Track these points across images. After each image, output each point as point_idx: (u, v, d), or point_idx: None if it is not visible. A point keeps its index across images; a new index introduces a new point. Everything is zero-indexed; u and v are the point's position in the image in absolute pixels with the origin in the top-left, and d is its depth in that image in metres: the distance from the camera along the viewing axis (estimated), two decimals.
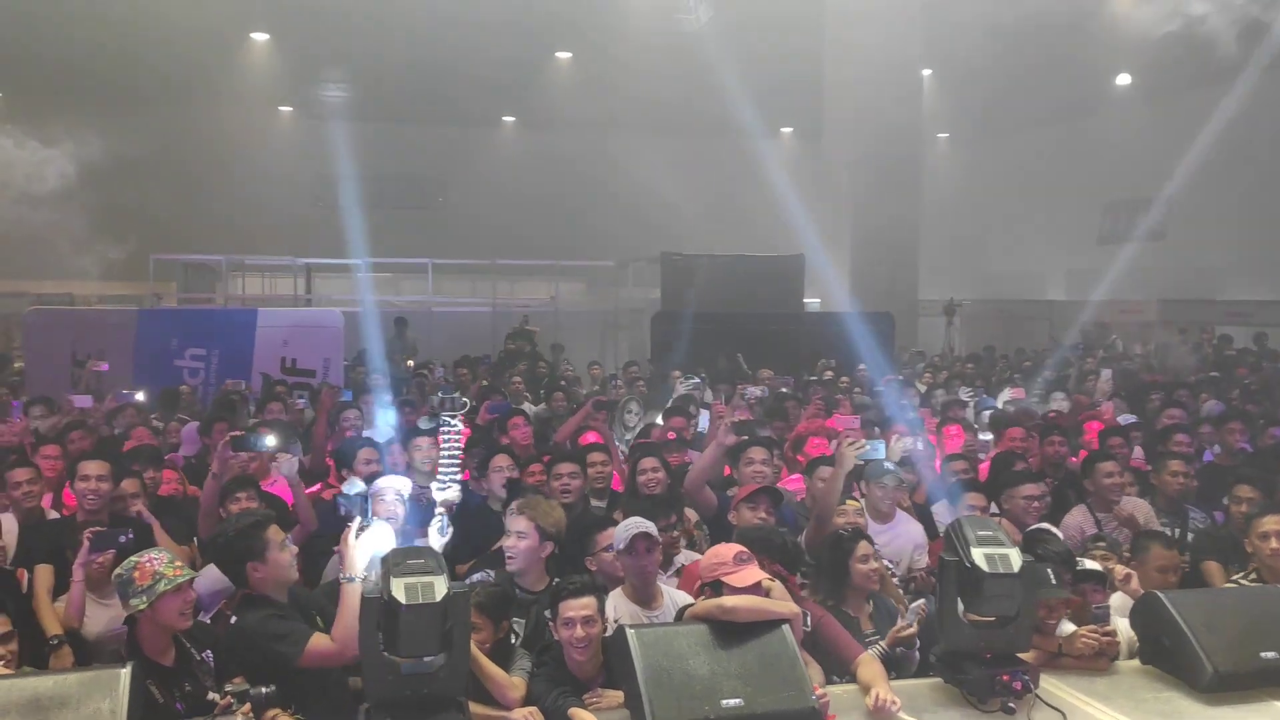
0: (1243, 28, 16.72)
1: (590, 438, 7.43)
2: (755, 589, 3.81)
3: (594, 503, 6.07)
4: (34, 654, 4.27)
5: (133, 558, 3.82)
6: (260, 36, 21.01)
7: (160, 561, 3.77)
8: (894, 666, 4.23)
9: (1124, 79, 22.20)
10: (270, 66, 21.67)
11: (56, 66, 20.03)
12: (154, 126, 22.26)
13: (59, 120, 23.11)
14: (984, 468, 7.14)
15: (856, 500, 5.29)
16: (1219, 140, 20.66)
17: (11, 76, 21.85)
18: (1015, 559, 3.69)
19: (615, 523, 4.74)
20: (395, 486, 5.07)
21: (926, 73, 19.24)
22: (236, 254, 20.53)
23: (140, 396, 9.37)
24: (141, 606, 3.68)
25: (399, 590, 3.25)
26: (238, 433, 6.16)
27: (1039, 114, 24.62)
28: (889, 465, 6.01)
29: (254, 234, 22.35)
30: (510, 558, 4.48)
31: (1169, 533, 5.83)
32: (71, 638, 4.53)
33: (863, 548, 4.49)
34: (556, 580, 4.27)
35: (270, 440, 5.82)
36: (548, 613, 4.09)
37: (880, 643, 4.30)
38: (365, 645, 3.34)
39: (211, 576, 4.52)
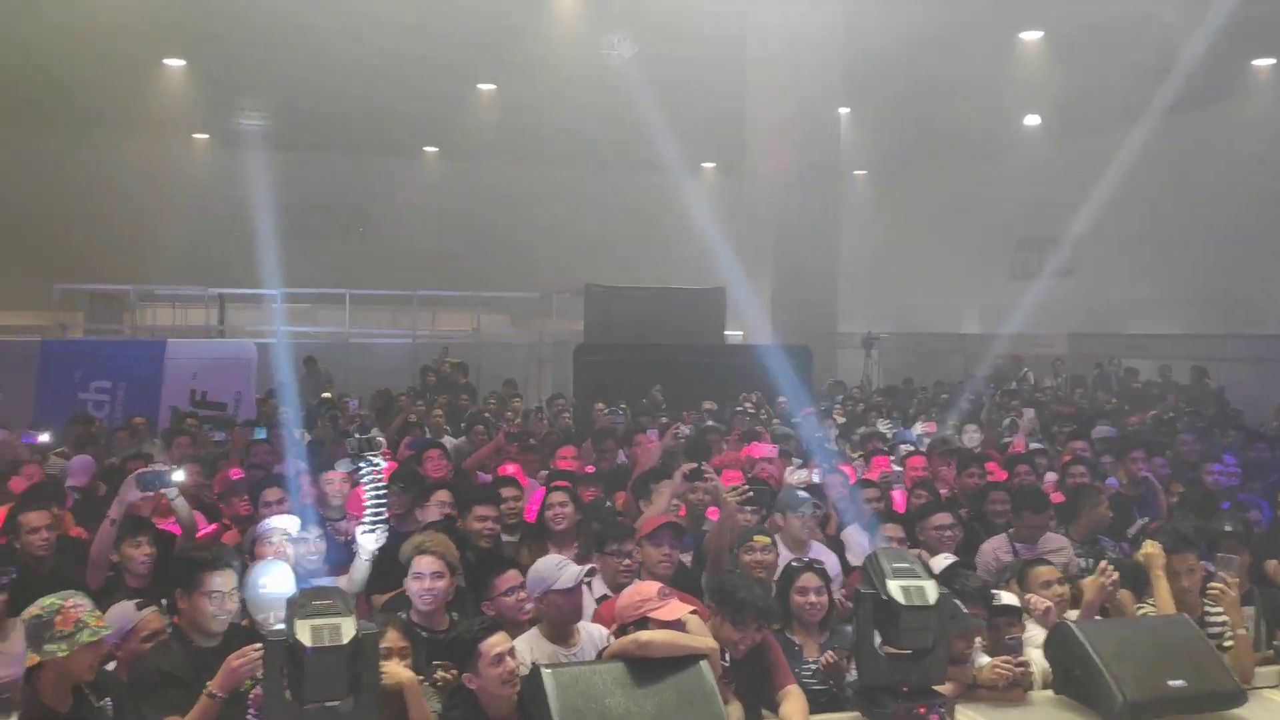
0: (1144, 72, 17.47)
1: (507, 469, 7.34)
2: (678, 625, 3.79)
3: (505, 538, 5.96)
4: None
5: (54, 600, 3.61)
6: (175, 62, 20.59)
7: (83, 609, 3.61)
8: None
9: (1033, 119, 22.92)
10: (185, 93, 21.24)
11: None
12: (63, 151, 21.69)
13: None
14: (900, 497, 7.22)
15: (765, 536, 5.26)
16: (1123, 179, 21.49)
17: None
18: (931, 591, 3.72)
19: (515, 564, 4.66)
20: (281, 527, 4.89)
21: (844, 111, 19.64)
22: (147, 283, 19.98)
23: (45, 438, 8.98)
24: (60, 654, 3.50)
25: (304, 633, 3.13)
26: (144, 469, 5.95)
27: (952, 152, 25.32)
28: (804, 495, 6.04)
29: (166, 263, 21.83)
30: (427, 600, 4.38)
31: (1084, 563, 5.96)
32: None
33: (804, 579, 4.56)
34: (462, 621, 4.20)
35: (178, 475, 5.65)
36: None
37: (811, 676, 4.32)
38: (269, 692, 3.22)
39: (112, 617, 4.33)
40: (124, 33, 17.60)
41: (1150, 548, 4.72)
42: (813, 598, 4.53)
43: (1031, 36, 17.99)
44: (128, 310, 19.91)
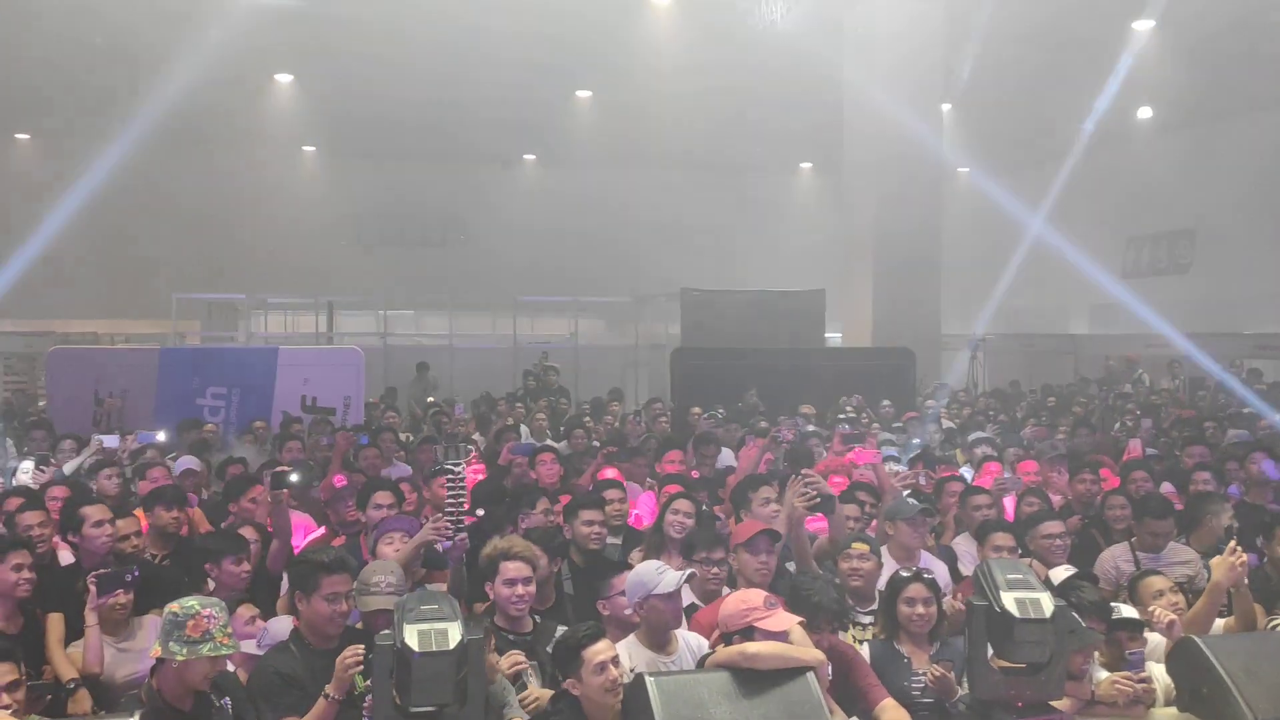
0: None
1: (607, 473, 7.34)
2: (783, 635, 3.73)
3: (609, 540, 5.95)
4: (54, 700, 4.34)
5: (195, 604, 3.71)
6: (284, 77, 21.25)
7: (216, 622, 3.69)
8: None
9: (1145, 111, 22.11)
10: (293, 107, 21.87)
11: (79, 106, 20.29)
12: (178, 166, 22.52)
13: (83, 160, 23.50)
14: (1011, 504, 7.01)
15: (863, 544, 5.13)
16: (1243, 171, 20.56)
17: (33, 115, 22.17)
18: (1047, 604, 3.59)
19: (630, 566, 4.65)
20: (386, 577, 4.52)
21: (946, 107, 19.20)
22: (259, 292, 20.65)
23: (161, 437, 9.35)
24: (178, 657, 3.61)
25: (411, 637, 3.18)
26: (282, 469, 6.19)
27: (1060, 147, 24.55)
28: (913, 502, 5.90)
29: (276, 272, 22.53)
30: (520, 605, 4.39)
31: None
32: (92, 682, 4.49)
33: (912, 590, 4.44)
34: (544, 623, 4.24)
35: (295, 476, 5.86)
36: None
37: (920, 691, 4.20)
38: (378, 696, 3.27)
39: (277, 630, 4.50)
40: (234, 49, 18.21)
41: None
42: (920, 609, 4.41)
43: (1144, 26, 17.32)
44: (241, 318, 20.61)
